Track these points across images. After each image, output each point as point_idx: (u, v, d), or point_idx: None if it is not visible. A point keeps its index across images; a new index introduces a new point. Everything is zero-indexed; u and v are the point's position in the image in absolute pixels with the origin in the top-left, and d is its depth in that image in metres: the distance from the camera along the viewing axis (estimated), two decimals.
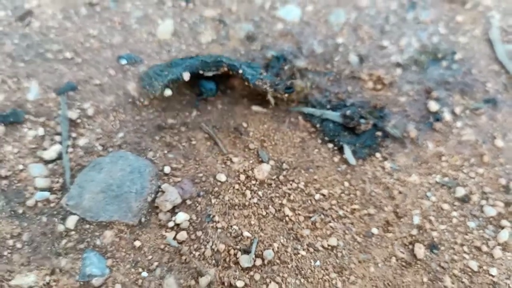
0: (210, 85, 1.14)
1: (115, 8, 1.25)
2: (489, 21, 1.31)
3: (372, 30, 1.26)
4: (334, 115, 1.12)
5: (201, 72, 1.11)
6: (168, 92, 1.09)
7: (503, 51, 1.26)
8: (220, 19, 1.25)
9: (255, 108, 1.13)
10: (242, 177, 1.04)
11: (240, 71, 1.11)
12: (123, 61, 1.17)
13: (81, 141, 1.06)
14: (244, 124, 1.10)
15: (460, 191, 1.05)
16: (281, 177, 1.04)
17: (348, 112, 1.10)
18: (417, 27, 1.28)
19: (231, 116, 1.12)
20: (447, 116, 1.14)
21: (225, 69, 1.12)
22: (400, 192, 1.04)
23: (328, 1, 1.31)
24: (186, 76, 1.09)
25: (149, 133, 1.08)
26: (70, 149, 1.05)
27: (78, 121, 1.08)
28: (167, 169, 1.03)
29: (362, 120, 1.10)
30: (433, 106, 1.15)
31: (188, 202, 0.99)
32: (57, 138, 1.06)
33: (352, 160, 1.07)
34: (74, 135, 1.07)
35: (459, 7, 1.33)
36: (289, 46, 1.22)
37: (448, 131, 1.13)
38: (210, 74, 1.12)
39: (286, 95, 1.11)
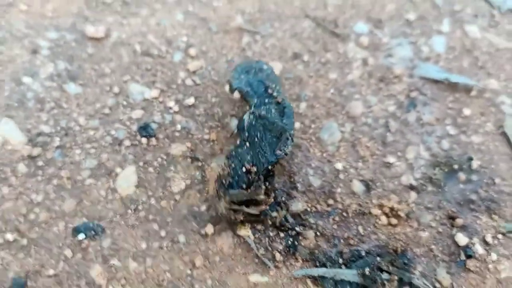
0: None
1: (60, 158, 1.01)
2: (500, 108, 1.12)
3: (373, 143, 1.06)
4: (351, 275, 0.91)
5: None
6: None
7: None
8: (192, 155, 1.02)
9: (252, 278, 0.91)
10: None
11: None
12: (81, 236, 0.93)
13: None
14: None
15: None
16: None
17: (367, 271, 0.89)
18: (422, 130, 1.09)
19: None
20: (479, 248, 0.95)
21: None
22: None
23: (315, 113, 1.09)
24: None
25: None
26: None
27: None
28: None
29: (385, 276, 0.89)
30: (462, 239, 0.96)
31: None
32: None
33: None
34: None
35: (464, 95, 1.14)
36: (280, 182, 1.00)
37: (484, 268, 0.94)
38: None
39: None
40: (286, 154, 0.91)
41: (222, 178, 0.89)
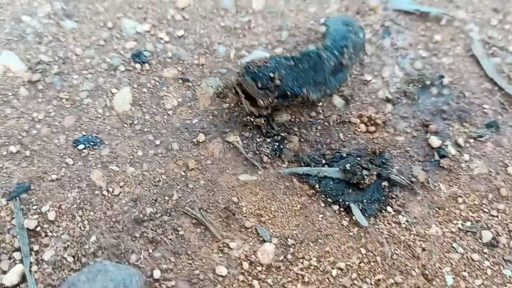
0: None
1: (59, 82, 1.08)
2: (468, 35, 1.21)
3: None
4: (333, 172, 0.98)
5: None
6: None
7: (491, 66, 1.16)
8: (183, 77, 1.10)
9: (242, 177, 0.98)
10: (245, 265, 0.89)
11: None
12: (81, 146, 1.00)
13: (47, 255, 0.88)
14: (235, 199, 0.95)
15: (487, 235, 0.94)
16: (289, 256, 0.90)
17: (348, 166, 0.97)
18: (396, 54, 1.17)
19: (218, 191, 0.96)
20: (451, 150, 1.03)
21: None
22: (424, 249, 0.92)
23: (296, 40, 1.17)
24: None
25: (126, 230, 0.91)
26: (35, 267, 0.86)
27: (38, 229, 0.91)
28: (156, 274, 0.87)
29: (365, 172, 0.97)
30: (435, 141, 1.04)
31: None
32: (17, 255, 0.88)
33: (363, 220, 0.94)
34: (36, 248, 0.89)
35: (435, 24, 1.23)
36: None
37: (457, 167, 1.02)
38: None
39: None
40: (307, 98, 0.99)
41: (253, 64, 0.96)
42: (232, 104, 1.07)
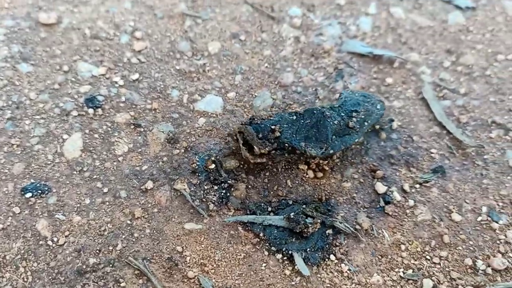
0: None
1: (11, 128, 1.09)
2: (420, 78, 1.23)
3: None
4: (277, 220, 0.99)
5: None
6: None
7: (440, 110, 1.18)
8: (135, 122, 1.11)
9: (187, 226, 0.99)
10: None
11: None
12: (28, 194, 1.00)
13: None
14: (179, 248, 0.96)
15: (428, 284, 0.95)
16: None
17: (292, 215, 0.98)
18: None
19: (163, 241, 0.97)
20: (397, 195, 1.05)
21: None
22: None
23: (250, 84, 1.19)
24: None
25: (68, 282, 0.92)
26: None
27: None
28: None
29: (309, 220, 0.98)
30: (380, 187, 1.06)
31: None
32: None
33: (305, 270, 0.95)
34: None
35: (388, 67, 1.25)
36: (216, 143, 1.09)
37: (401, 213, 1.03)
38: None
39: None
40: (304, 152, 1.00)
41: (258, 116, 1.01)
42: (183, 150, 1.08)
